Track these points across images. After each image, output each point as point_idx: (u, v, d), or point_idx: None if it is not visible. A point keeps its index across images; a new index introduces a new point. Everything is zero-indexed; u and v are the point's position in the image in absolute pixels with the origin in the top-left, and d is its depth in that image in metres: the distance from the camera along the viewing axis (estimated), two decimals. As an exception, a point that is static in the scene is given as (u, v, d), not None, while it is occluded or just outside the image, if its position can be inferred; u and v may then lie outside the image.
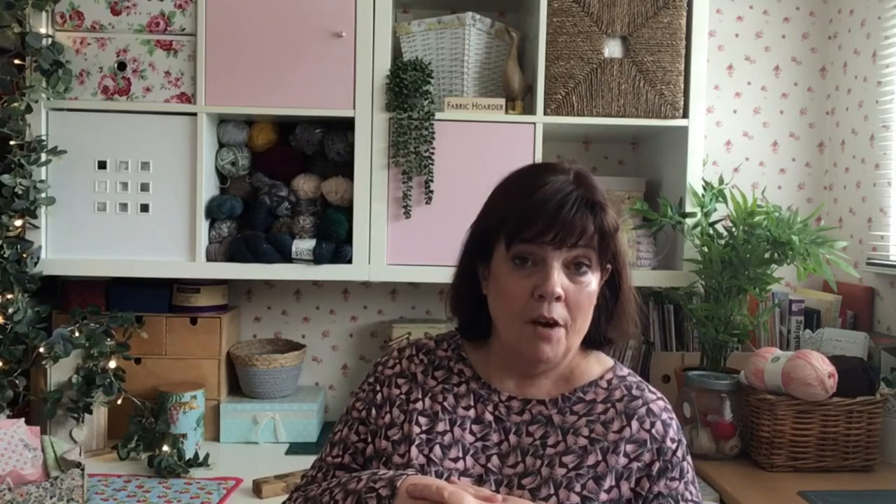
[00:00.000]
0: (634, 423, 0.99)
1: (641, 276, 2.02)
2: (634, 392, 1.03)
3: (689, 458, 1.02)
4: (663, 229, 2.07)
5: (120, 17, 1.93)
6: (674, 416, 1.04)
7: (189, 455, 1.85)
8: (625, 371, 1.08)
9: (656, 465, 0.98)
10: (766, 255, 1.91)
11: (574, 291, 0.97)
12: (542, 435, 1.00)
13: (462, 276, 1.07)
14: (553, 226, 0.95)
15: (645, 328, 2.20)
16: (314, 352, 2.36)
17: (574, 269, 0.97)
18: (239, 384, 2.17)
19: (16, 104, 1.86)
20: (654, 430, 1.00)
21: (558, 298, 0.95)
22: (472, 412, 1.03)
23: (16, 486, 1.49)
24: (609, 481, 0.96)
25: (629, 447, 0.98)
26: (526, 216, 0.96)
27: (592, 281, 0.98)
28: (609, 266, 1.02)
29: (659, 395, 1.05)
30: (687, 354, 2.14)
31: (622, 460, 0.97)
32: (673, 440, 1.00)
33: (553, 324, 0.96)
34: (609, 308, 1.05)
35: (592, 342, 1.06)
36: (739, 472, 1.76)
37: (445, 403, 1.04)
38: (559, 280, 0.95)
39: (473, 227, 1.06)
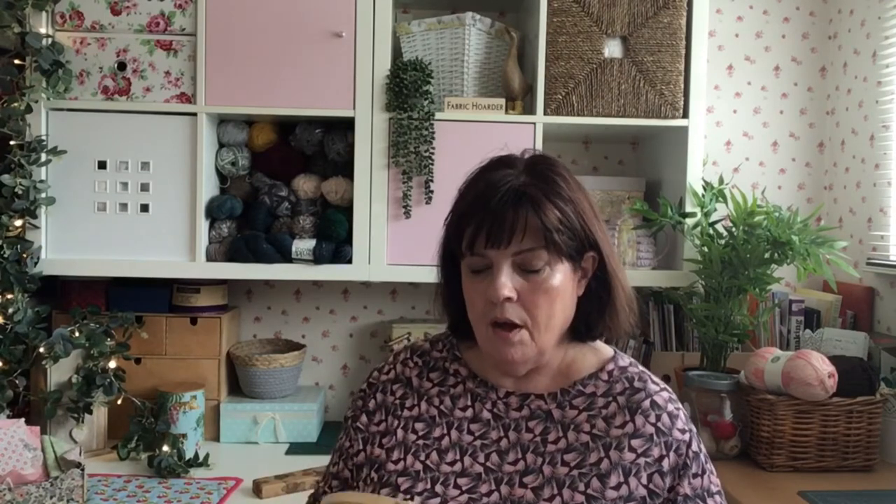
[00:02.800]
0: (639, 418, 0.95)
1: (641, 276, 2.02)
2: (636, 384, 0.98)
3: (702, 446, 0.98)
4: (663, 229, 2.07)
5: (120, 17, 1.93)
6: (680, 406, 0.99)
7: (189, 455, 1.85)
8: (626, 361, 1.03)
9: (667, 461, 0.93)
10: (766, 255, 1.90)
11: (528, 290, 0.93)
12: (543, 431, 0.97)
13: (446, 276, 1.06)
14: (481, 229, 0.93)
15: (645, 328, 2.20)
16: (314, 352, 2.36)
17: (526, 266, 0.93)
18: (239, 384, 2.17)
19: (16, 104, 1.86)
20: (660, 423, 0.95)
21: (509, 299, 0.93)
22: (469, 412, 1.01)
23: (16, 486, 1.49)
24: (616, 478, 0.92)
25: (635, 442, 0.94)
26: (462, 224, 0.96)
27: (554, 276, 0.93)
28: (593, 255, 0.98)
29: (663, 385, 1.00)
30: (687, 354, 2.14)
31: (628, 455, 0.93)
32: (683, 431, 0.96)
33: (511, 325, 0.94)
34: (601, 300, 1.00)
35: (585, 336, 1.03)
36: (739, 472, 1.76)
37: (442, 407, 1.02)
38: (507, 282, 0.92)
39: (443, 232, 1.04)
